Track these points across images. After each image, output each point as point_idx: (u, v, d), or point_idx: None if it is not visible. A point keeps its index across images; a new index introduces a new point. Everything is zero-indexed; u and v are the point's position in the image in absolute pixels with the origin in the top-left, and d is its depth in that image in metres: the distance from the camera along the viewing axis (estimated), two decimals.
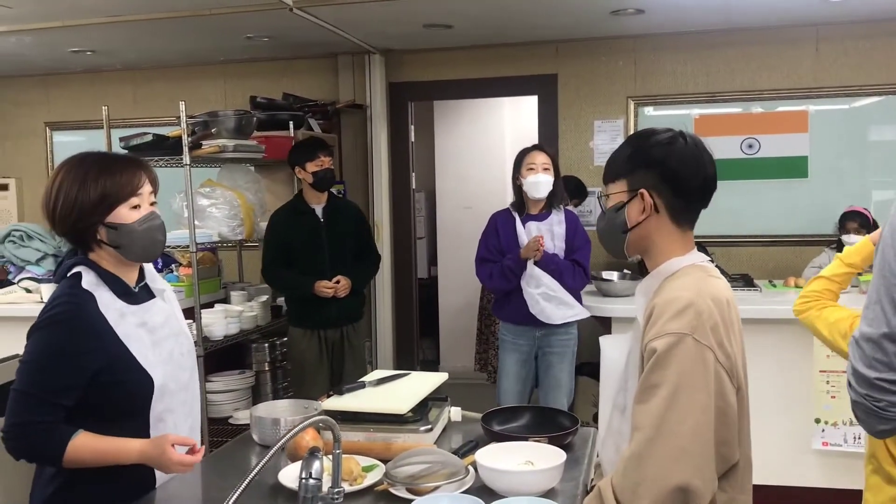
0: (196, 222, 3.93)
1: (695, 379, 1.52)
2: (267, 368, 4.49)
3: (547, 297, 3.76)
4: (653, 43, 5.23)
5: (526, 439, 2.09)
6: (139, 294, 2.02)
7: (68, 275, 1.94)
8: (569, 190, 4.61)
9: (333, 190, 4.24)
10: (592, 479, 1.96)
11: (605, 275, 4.43)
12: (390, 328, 5.61)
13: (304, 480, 1.54)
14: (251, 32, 4.89)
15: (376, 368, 4.55)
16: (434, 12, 4.52)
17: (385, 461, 1.97)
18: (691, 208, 1.71)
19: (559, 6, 4.44)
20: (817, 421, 3.75)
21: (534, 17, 4.68)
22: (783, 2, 4.46)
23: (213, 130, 4.10)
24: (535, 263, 3.74)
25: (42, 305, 1.95)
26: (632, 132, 4.77)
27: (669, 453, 1.49)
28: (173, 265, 4.39)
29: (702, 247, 1.85)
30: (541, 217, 3.87)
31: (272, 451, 1.44)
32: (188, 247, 3.87)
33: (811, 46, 5.05)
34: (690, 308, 1.56)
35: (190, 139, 3.85)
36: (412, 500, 1.76)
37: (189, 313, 3.25)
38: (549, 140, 5.29)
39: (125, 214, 1.93)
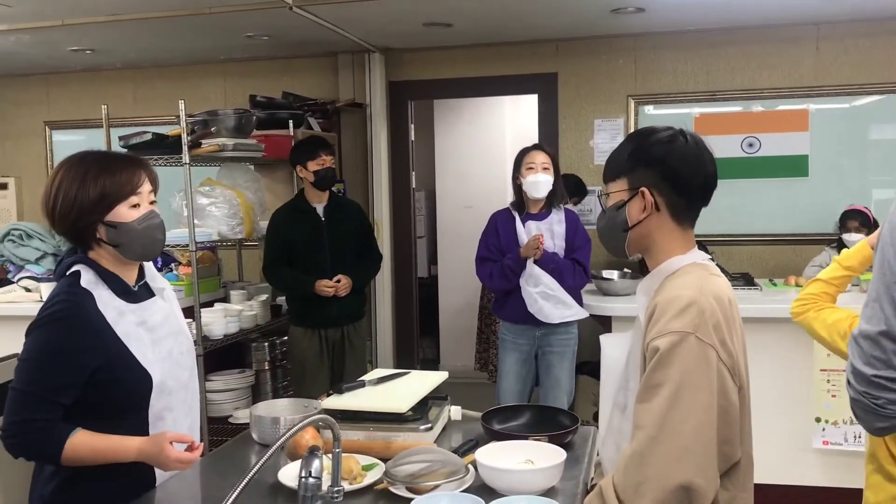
0: (195, 221, 3.92)
1: (698, 378, 1.52)
2: (267, 367, 4.49)
3: (545, 297, 3.76)
4: (653, 41, 5.22)
5: (526, 438, 2.08)
6: (138, 293, 2.02)
7: (67, 273, 1.94)
8: (568, 188, 4.61)
9: (333, 189, 4.24)
10: (593, 478, 1.96)
11: (606, 274, 4.43)
12: (390, 327, 5.61)
13: (303, 479, 1.53)
14: (251, 31, 4.89)
15: (376, 367, 4.55)
16: (434, 11, 4.51)
17: (385, 460, 1.97)
18: (692, 207, 1.71)
19: (559, 5, 4.43)
20: (818, 420, 3.75)
21: (534, 16, 4.67)
22: (783, 0, 4.46)
23: (212, 129, 4.09)
24: (535, 262, 3.74)
25: (41, 304, 1.95)
26: (632, 131, 4.77)
27: (672, 452, 1.49)
28: (173, 264, 4.38)
29: (702, 245, 1.85)
30: (541, 216, 3.86)
31: (272, 450, 1.44)
32: (188, 246, 3.86)
33: (811, 45, 5.04)
34: (693, 306, 1.55)
35: (189, 138, 3.85)
36: (412, 499, 1.76)
37: (189, 312, 3.25)
38: (549, 139, 5.29)
39: (125, 213, 1.93)
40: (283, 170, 4.90)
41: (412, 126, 5.82)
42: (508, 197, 4.23)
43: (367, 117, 5.52)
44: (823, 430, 3.75)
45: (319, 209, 4.10)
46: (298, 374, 4.18)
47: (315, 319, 4.10)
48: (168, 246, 3.94)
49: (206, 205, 4.10)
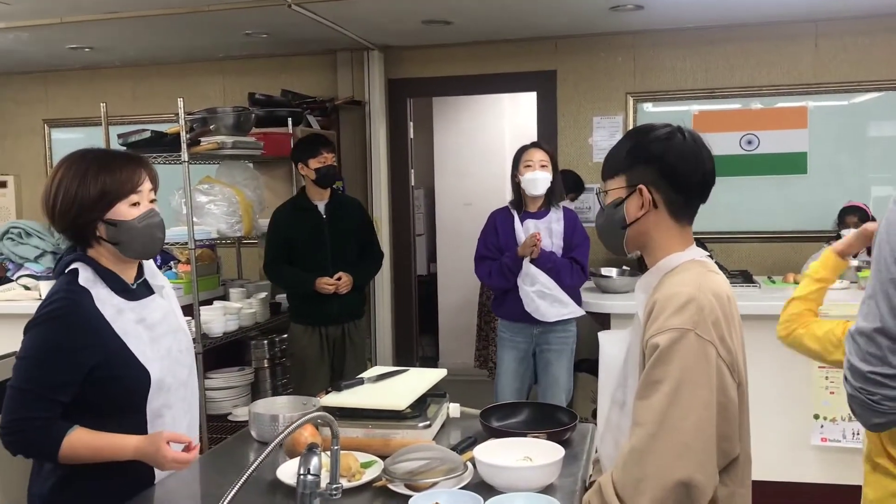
0: (195, 219, 3.92)
1: (697, 374, 1.52)
2: (266, 365, 4.49)
3: (541, 295, 3.76)
4: (652, 39, 5.22)
5: (524, 435, 2.09)
6: (137, 290, 2.02)
7: (65, 271, 1.94)
8: (566, 184, 4.61)
9: (334, 186, 4.24)
10: (591, 475, 1.96)
11: (605, 271, 4.43)
12: (390, 325, 5.61)
13: (302, 477, 1.53)
14: (250, 29, 4.88)
15: (375, 365, 4.56)
16: (433, 9, 4.51)
17: (383, 457, 1.97)
18: (690, 204, 1.71)
19: (558, 2, 4.43)
20: (816, 417, 3.75)
21: (533, 14, 4.67)
22: None
23: (211, 127, 4.09)
24: (533, 261, 3.74)
25: (40, 302, 1.95)
26: (630, 128, 4.77)
27: (672, 449, 1.49)
28: (172, 262, 4.39)
29: (701, 243, 1.85)
30: (539, 215, 3.86)
31: (270, 447, 1.44)
32: (187, 244, 3.86)
33: (810, 42, 5.04)
34: (692, 303, 1.56)
35: (188, 136, 3.85)
36: (410, 497, 1.76)
37: (188, 310, 3.25)
38: (548, 136, 5.29)
39: (124, 211, 1.93)
40: (283, 167, 4.90)
41: (411, 124, 5.82)
42: (508, 195, 4.23)
43: (365, 115, 5.52)
44: (822, 426, 3.75)
45: (321, 207, 4.10)
46: (299, 371, 4.18)
47: (316, 317, 4.10)
48: (167, 244, 3.94)
49: (205, 203, 4.10)
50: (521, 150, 3.88)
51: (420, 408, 2.20)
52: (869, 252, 2.34)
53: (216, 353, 4.17)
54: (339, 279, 4.00)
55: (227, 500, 1.36)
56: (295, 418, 1.90)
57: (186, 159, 3.81)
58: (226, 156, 4.27)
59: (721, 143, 5.02)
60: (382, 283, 5.49)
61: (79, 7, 4.26)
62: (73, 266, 1.93)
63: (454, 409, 2.43)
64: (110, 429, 1.89)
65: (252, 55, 5.71)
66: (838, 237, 4.48)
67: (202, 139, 4.00)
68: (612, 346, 1.80)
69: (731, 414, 1.58)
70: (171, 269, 4.29)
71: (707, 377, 1.53)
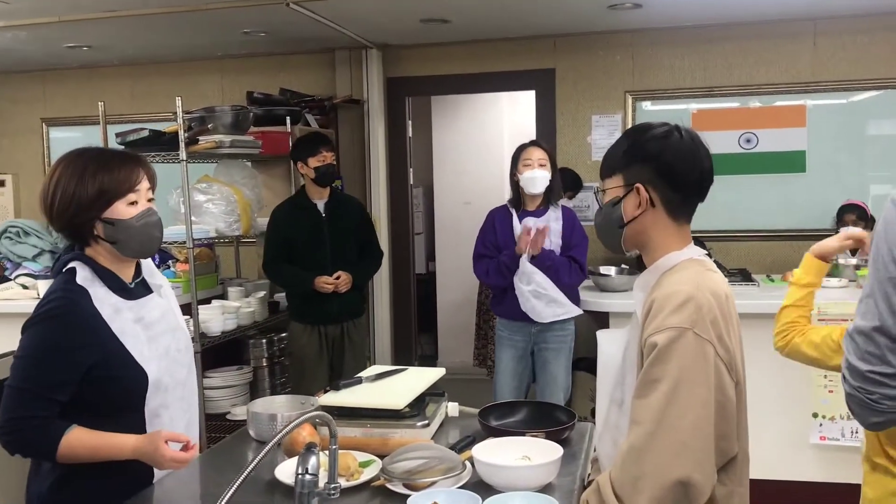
0: (193, 218, 3.92)
1: (695, 373, 1.52)
2: (265, 364, 4.49)
3: (537, 295, 3.75)
4: (650, 37, 5.22)
5: (523, 434, 2.08)
6: (135, 289, 2.02)
7: (63, 270, 1.94)
8: (565, 182, 4.61)
9: (333, 185, 4.23)
10: (589, 474, 1.96)
11: (603, 270, 4.43)
12: (388, 324, 5.61)
13: (300, 476, 1.53)
14: (248, 27, 4.88)
15: (374, 364, 4.55)
16: (431, 7, 4.51)
17: (382, 457, 1.97)
18: (688, 202, 1.71)
19: (557, 1, 4.42)
20: (815, 415, 3.75)
21: (531, 12, 4.67)
22: None
23: (209, 126, 4.09)
24: (533, 259, 3.73)
25: (38, 301, 1.95)
26: (629, 127, 4.77)
27: (670, 447, 1.49)
28: (170, 261, 4.38)
29: (699, 241, 1.85)
30: (538, 213, 3.86)
31: (268, 447, 1.44)
32: (185, 243, 3.86)
33: (809, 41, 5.04)
34: (690, 302, 1.56)
35: (186, 135, 3.84)
36: (409, 496, 1.76)
37: (186, 309, 3.24)
38: (546, 135, 5.29)
39: (122, 210, 1.93)
40: (281, 166, 4.89)
41: (410, 122, 5.81)
42: (506, 193, 4.23)
43: (364, 114, 5.51)
44: (821, 425, 3.75)
45: (320, 205, 4.10)
46: (298, 370, 4.18)
47: (315, 316, 4.10)
48: (165, 243, 3.93)
49: (204, 202, 4.10)
50: (520, 149, 3.88)
51: (418, 407, 2.20)
52: (853, 253, 2.34)
53: (214, 353, 4.17)
54: (337, 278, 4.00)
55: (225, 500, 1.35)
56: (293, 417, 1.91)
57: (184, 158, 3.81)
58: (224, 155, 4.27)
59: (719, 142, 5.02)
60: (381, 281, 5.49)
61: (77, 6, 4.26)
62: (70, 265, 1.93)
63: (453, 408, 2.43)
64: (108, 428, 1.88)
65: (250, 54, 5.70)
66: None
67: (200, 138, 3.99)
68: (611, 345, 1.80)
69: (729, 413, 1.58)
70: (169, 268, 4.29)
71: (705, 376, 1.53)
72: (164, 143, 3.89)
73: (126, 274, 2.00)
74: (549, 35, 5.33)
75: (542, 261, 3.74)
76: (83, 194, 1.89)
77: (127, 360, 1.91)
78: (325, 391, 2.30)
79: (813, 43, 5.03)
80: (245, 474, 1.39)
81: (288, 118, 4.78)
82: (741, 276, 4.41)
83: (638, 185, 1.68)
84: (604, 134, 5.34)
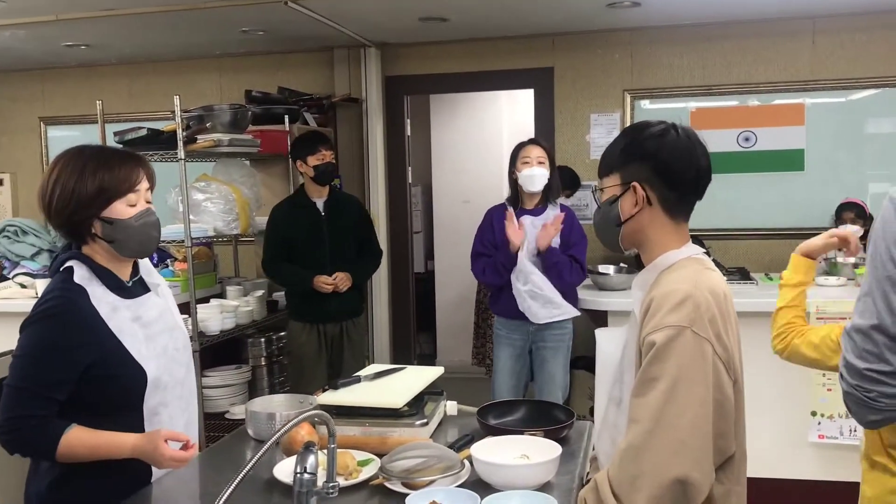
0: (191, 217, 3.92)
1: (694, 372, 1.52)
2: (263, 363, 4.49)
3: (533, 295, 3.75)
4: (649, 36, 5.22)
5: (522, 433, 2.08)
6: (133, 288, 2.02)
7: (61, 269, 1.93)
8: (563, 180, 4.60)
9: (332, 183, 4.23)
10: (588, 473, 1.96)
11: (602, 268, 4.43)
12: (387, 323, 5.61)
13: (298, 475, 1.53)
14: (246, 26, 4.87)
15: (373, 363, 4.55)
16: (430, 5, 4.50)
17: (380, 455, 1.97)
18: (685, 201, 1.71)
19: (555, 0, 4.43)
20: (813, 414, 3.75)
21: (530, 11, 4.67)
22: None
23: (208, 125, 4.08)
24: (540, 255, 3.72)
25: (36, 301, 1.94)
26: (627, 125, 4.77)
27: (668, 446, 1.49)
28: (169, 260, 4.38)
29: (698, 240, 1.85)
30: (536, 212, 3.86)
31: (266, 446, 1.44)
32: (183, 242, 3.86)
33: (808, 39, 5.04)
34: (689, 300, 1.56)
35: (185, 133, 3.84)
36: (407, 495, 1.76)
37: (184, 308, 3.24)
38: (545, 134, 5.29)
39: (121, 210, 1.93)
40: (279, 165, 4.89)
41: (408, 121, 5.81)
42: (505, 192, 4.23)
43: (363, 112, 5.51)
44: (819, 423, 3.75)
45: (319, 204, 4.10)
46: (297, 368, 4.18)
47: (314, 314, 4.10)
48: (164, 242, 3.94)
49: (202, 200, 4.10)
50: (519, 147, 3.87)
51: (417, 406, 2.20)
52: (839, 250, 2.35)
53: (213, 351, 4.17)
54: (335, 278, 3.99)
55: (223, 499, 1.35)
56: (292, 416, 1.90)
57: (183, 157, 3.80)
58: (222, 153, 4.26)
59: (718, 140, 5.02)
60: (380, 280, 5.48)
61: (75, 4, 4.25)
62: (68, 264, 1.93)
63: (451, 406, 2.43)
64: (107, 427, 1.88)
65: (249, 52, 5.70)
66: None
67: (199, 137, 3.99)
68: (609, 344, 1.80)
69: (727, 411, 1.58)
70: (167, 266, 4.29)
71: (703, 374, 1.53)
72: (162, 141, 3.89)
73: (123, 273, 2.00)
74: (548, 33, 5.33)
75: (549, 258, 3.73)
76: (83, 191, 1.89)
77: (125, 358, 1.91)
78: (324, 390, 2.30)
79: (812, 41, 5.03)
80: (243, 473, 1.39)
81: (286, 117, 4.78)
82: (740, 274, 4.40)
83: (634, 183, 1.68)
84: (602, 132, 5.34)
